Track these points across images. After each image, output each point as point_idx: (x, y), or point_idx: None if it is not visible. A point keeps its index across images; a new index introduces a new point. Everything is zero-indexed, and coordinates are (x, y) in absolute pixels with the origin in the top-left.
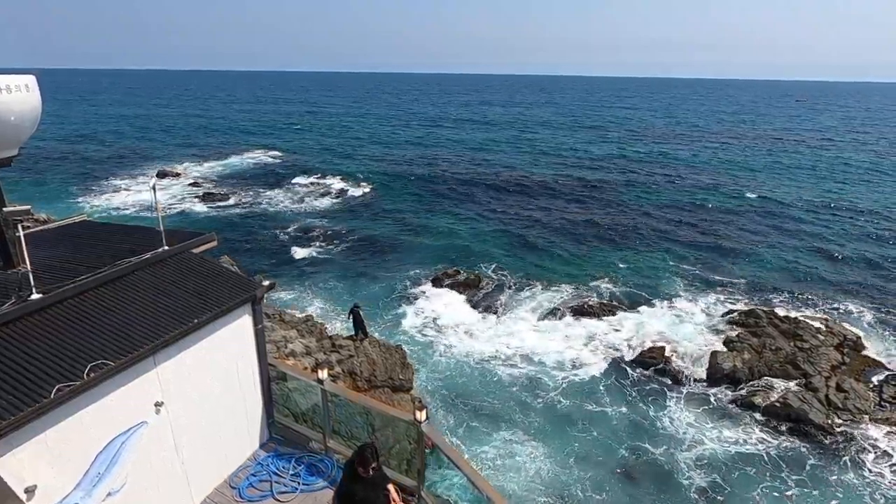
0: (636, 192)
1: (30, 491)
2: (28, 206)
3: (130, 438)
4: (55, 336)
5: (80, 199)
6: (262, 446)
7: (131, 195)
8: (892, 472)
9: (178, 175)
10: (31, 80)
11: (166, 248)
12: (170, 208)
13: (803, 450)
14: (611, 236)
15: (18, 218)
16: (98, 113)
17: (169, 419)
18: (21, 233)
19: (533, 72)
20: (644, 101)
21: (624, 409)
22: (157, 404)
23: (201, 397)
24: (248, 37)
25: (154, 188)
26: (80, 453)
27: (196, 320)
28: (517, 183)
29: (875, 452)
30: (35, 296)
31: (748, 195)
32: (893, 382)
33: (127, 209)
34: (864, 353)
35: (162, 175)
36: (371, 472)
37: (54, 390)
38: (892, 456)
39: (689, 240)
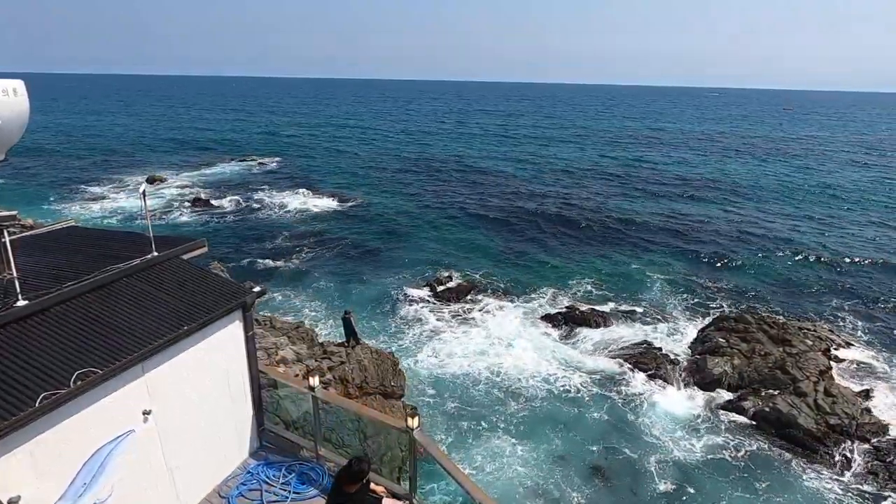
0: (624, 199)
1: (13, 502)
2: (14, 212)
3: (117, 447)
4: (41, 343)
5: (66, 205)
6: (252, 455)
7: (119, 201)
8: (877, 477)
9: (167, 181)
10: (19, 84)
11: (155, 254)
12: (159, 214)
13: (792, 455)
14: (600, 243)
15: (4, 223)
16: (85, 118)
17: (157, 427)
18: (7, 238)
19: (523, 79)
20: (630, 110)
21: (611, 415)
22: (146, 412)
23: (190, 405)
24: (240, 43)
25: (143, 194)
26: (66, 463)
27: (185, 327)
28: (507, 191)
29: (861, 457)
30: (21, 302)
31: (735, 202)
32: (879, 387)
33: (115, 215)
34: (851, 357)
35: (151, 181)
36: (356, 489)
37: (39, 399)
38: (878, 461)
39: (677, 247)
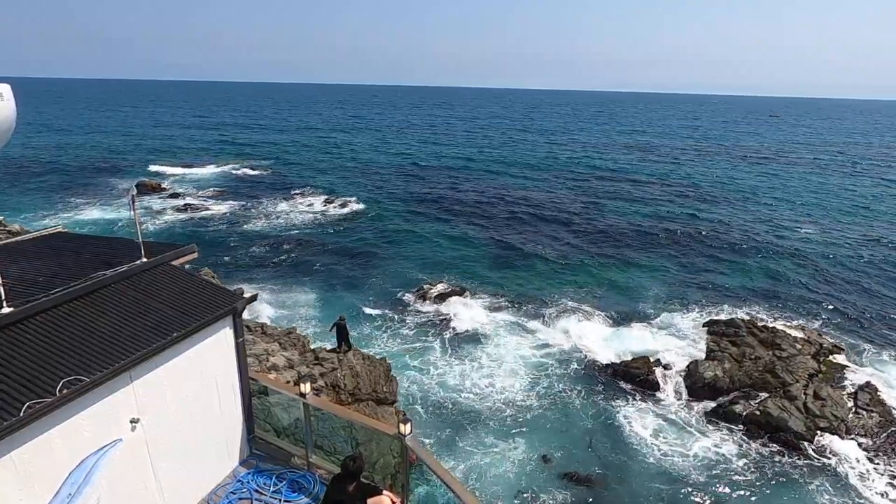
0: (615, 207)
1: None
2: (0, 217)
3: (104, 457)
4: (26, 351)
5: (53, 212)
6: (242, 463)
7: (108, 207)
8: (867, 478)
9: (157, 187)
10: (5, 88)
11: (145, 260)
12: (149, 220)
13: (783, 458)
14: (591, 250)
15: None
16: (74, 123)
17: (145, 436)
18: None
19: (507, 85)
20: (620, 116)
21: (603, 420)
22: (133, 421)
23: (179, 413)
24: (234, 47)
25: (133, 199)
26: (51, 473)
27: (175, 334)
28: (499, 198)
29: (851, 459)
30: (6, 310)
31: (725, 209)
32: (868, 389)
33: (104, 222)
34: (840, 361)
35: (141, 187)
36: (352, 488)
37: (24, 408)
38: (867, 462)
39: (668, 253)
